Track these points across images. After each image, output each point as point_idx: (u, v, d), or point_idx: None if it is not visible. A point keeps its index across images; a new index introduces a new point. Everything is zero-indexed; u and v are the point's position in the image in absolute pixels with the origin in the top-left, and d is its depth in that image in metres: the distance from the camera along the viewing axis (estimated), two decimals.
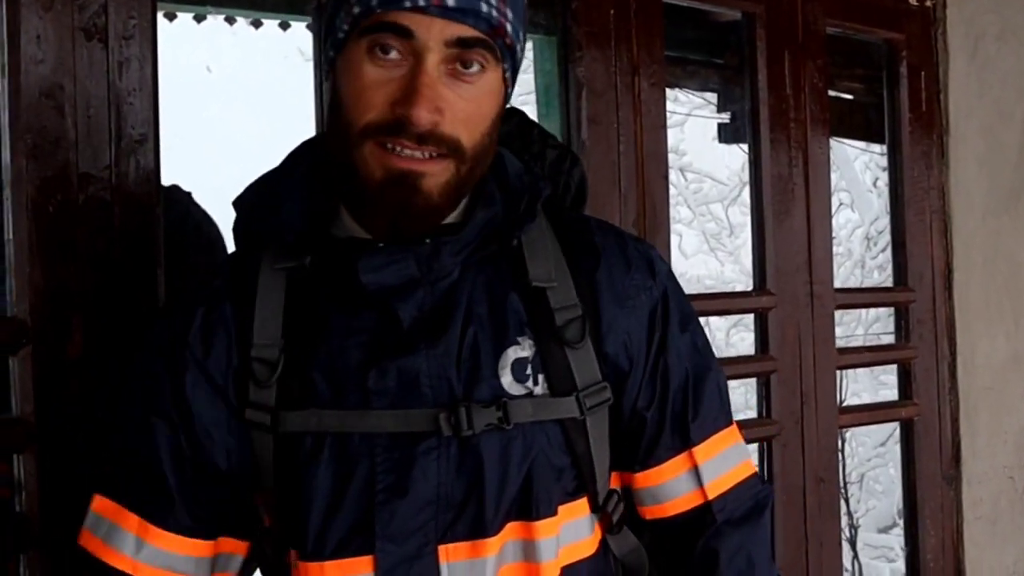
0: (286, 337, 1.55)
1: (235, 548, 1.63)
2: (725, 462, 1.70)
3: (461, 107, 1.46)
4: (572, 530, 1.60)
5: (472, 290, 1.56)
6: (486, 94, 1.49)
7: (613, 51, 2.85)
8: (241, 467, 1.57)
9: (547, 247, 1.62)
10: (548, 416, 1.55)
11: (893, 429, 9.97)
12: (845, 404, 4.15)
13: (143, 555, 1.56)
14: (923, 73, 3.69)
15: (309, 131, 2.38)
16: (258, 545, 1.63)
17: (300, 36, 6.68)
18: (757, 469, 1.74)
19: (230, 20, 6.36)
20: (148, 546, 1.56)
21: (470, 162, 1.50)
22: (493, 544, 1.52)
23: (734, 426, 1.74)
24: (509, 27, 1.49)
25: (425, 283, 1.54)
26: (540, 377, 1.56)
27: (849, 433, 10.57)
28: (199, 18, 6.14)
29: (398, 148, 1.45)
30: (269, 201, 1.60)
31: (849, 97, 5.43)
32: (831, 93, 3.60)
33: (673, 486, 1.68)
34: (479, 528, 1.52)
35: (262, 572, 1.67)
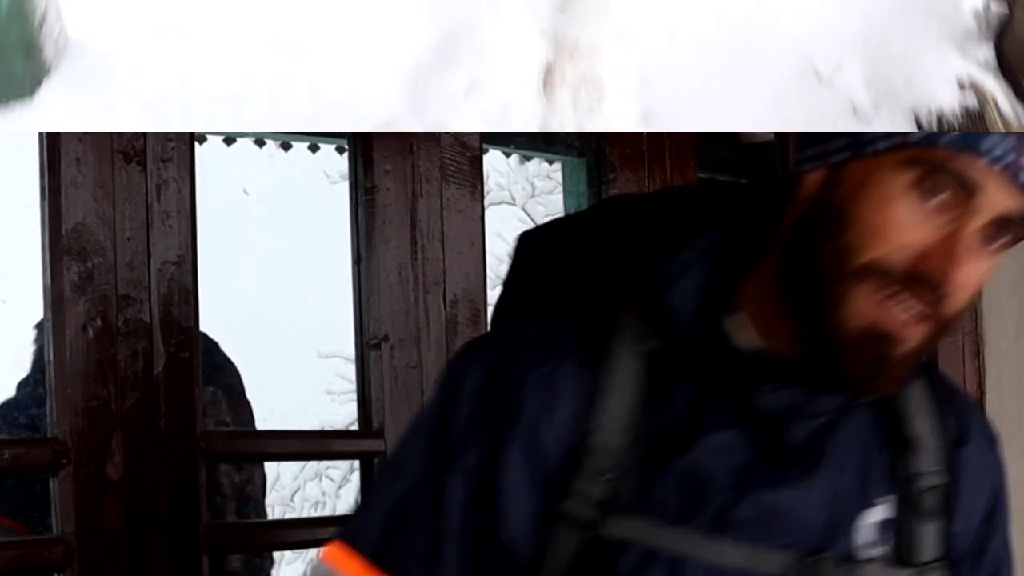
0: (636, 428, 1.33)
1: None
2: None
3: (973, 281, 1.27)
4: None
5: (846, 434, 1.38)
6: (994, 266, 1.30)
7: (647, 172, 2.86)
8: (530, 556, 1.33)
9: (921, 402, 1.45)
10: None
11: None
12: None
13: None
14: None
15: (343, 255, 2.39)
16: None
17: (329, 159, 6.73)
18: None
19: (259, 143, 6.41)
20: None
21: (946, 331, 1.32)
22: None
23: None
24: None
25: (807, 414, 1.35)
26: (889, 541, 1.40)
27: None
28: (229, 141, 6.19)
29: (899, 300, 1.25)
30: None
31: None
32: None
33: None
34: None
35: None
